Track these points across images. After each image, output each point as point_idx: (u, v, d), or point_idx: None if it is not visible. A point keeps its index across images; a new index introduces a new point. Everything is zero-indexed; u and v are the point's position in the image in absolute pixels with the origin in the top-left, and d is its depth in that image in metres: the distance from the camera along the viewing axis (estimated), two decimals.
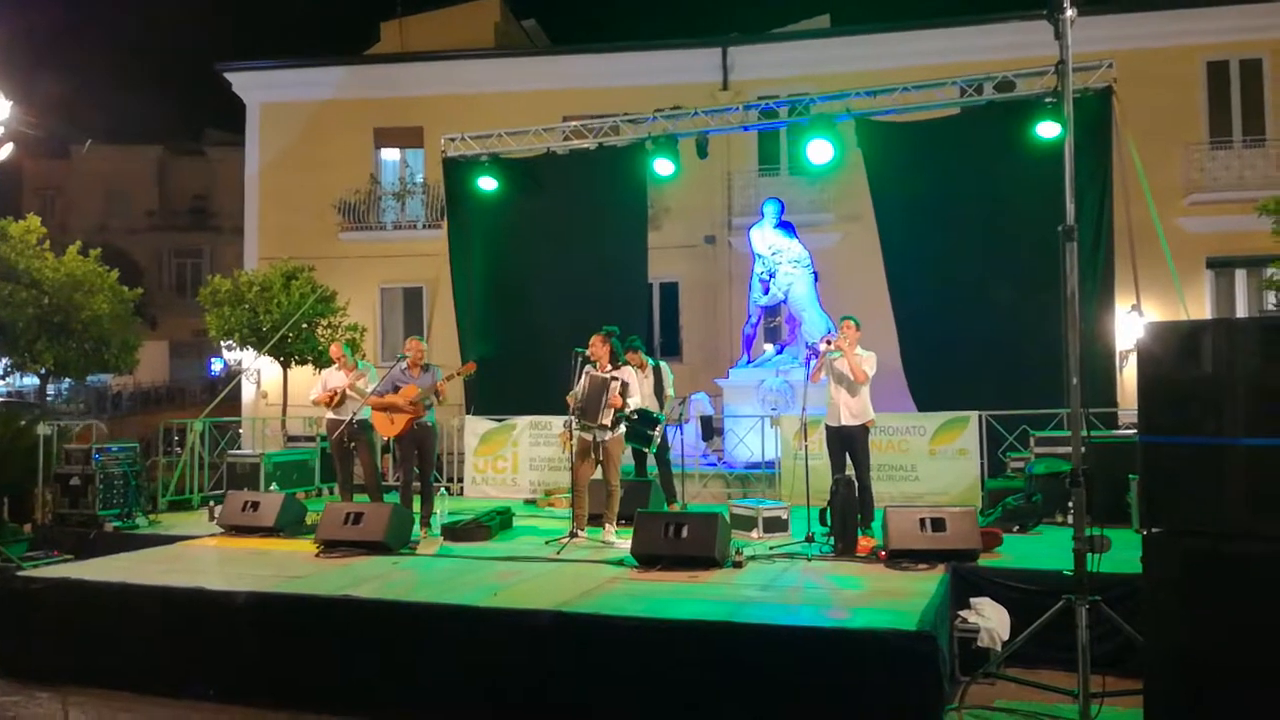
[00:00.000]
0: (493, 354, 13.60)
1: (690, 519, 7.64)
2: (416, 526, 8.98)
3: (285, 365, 17.16)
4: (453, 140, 14.01)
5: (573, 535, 8.56)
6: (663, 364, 10.55)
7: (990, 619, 6.39)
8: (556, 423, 11.10)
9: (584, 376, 8.64)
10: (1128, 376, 12.32)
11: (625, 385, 8.51)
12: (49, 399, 21.52)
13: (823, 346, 8.71)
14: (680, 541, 7.39)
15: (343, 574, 7.39)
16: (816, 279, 14.02)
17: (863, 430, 8.62)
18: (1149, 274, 11.60)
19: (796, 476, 9.72)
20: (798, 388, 11.98)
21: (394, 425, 9.16)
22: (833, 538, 7.98)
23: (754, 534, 8.75)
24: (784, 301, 13.98)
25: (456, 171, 14.05)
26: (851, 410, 8.58)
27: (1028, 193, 10.78)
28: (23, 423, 12.09)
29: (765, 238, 14.06)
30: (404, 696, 6.06)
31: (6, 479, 11.01)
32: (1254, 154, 17.48)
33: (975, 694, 5.82)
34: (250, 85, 21.75)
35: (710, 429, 14.41)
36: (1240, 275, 17.62)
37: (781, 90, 16.68)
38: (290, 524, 9.39)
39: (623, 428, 8.73)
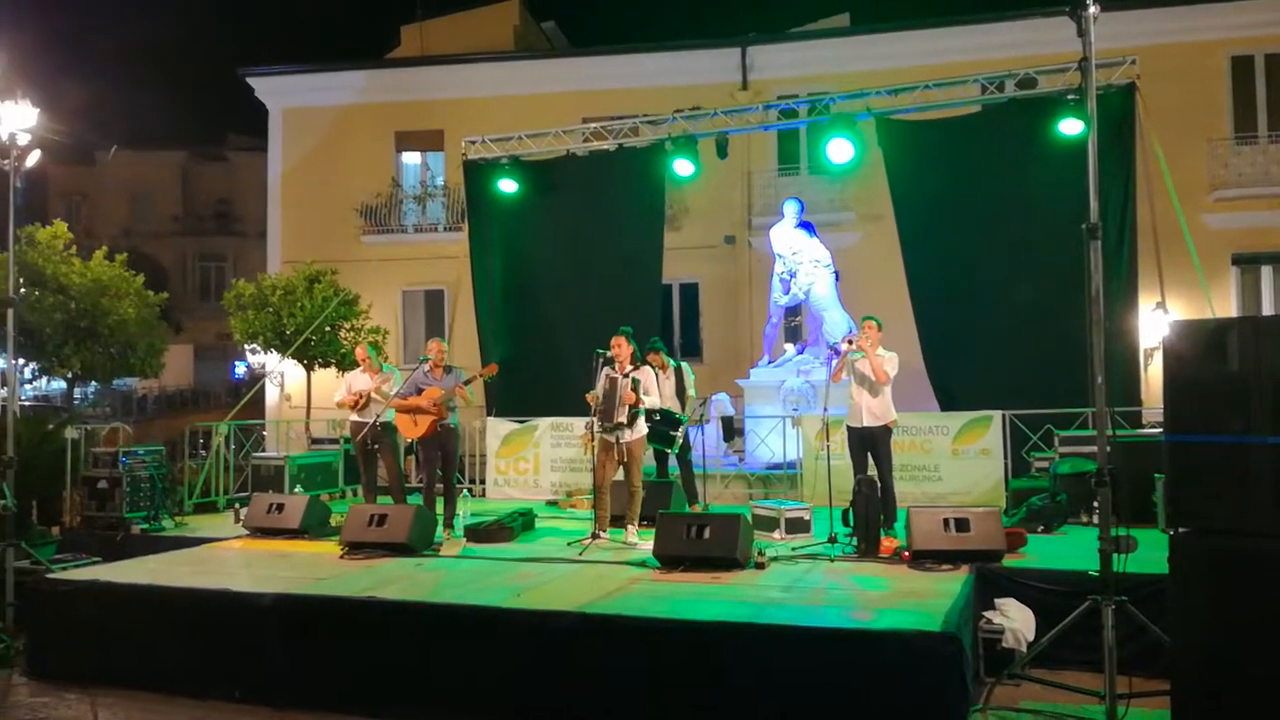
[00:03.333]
0: (514, 355, 13.65)
1: (712, 520, 7.63)
2: (440, 528, 9.02)
3: (309, 368, 17.27)
4: (473, 143, 14.07)
5: (595, 536, 8.57)
6: (684, 364, 10.53)
7: (1015, 620, 6.36)
8: (578, 424, 11.12)
9: (603, 377, 8.66)
10: (1153, 375, 12.22)
11: (637, 381, 8.53)
12: (76, 403, 21.72)
13: (844, 346, 8.68)
14: (702, 542, 7.38)
15: (367, 575, 7.42)
16: (838, 278, 13.99)
17: (885, 431, 8.59)
18: (1174, 271, 11.49)
19: (818, 477, 9.70)
20: (819, 388, 11.97)
21: (417, 427, 9.21)
22: (855, 538, 7.94)
23: (776, 535, 8.73)
24: (805, 301, 13.96)
25: (477, 174, 14.10)
26: (873, 411, 8.55)
27: (1050, 190, 10.73)
28: (50, 426, 12.19)
29: (786, 237, 14.02)
30: (427, 697, 6.08)
31: (35, 482, 11.10)
32: None
33: (1000, 695, 5.79)
34: (272, 90, 21.92)
35: (732, 429, 14.38)
36: (1267, 271, 17.44)
37: (801, 90, 16.65)
38: (315, 526, 9.44)
39: (644, 426, 8.73)
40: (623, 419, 8.48)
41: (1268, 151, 17.34)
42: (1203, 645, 4.54)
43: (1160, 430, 5.01)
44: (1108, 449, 5.57)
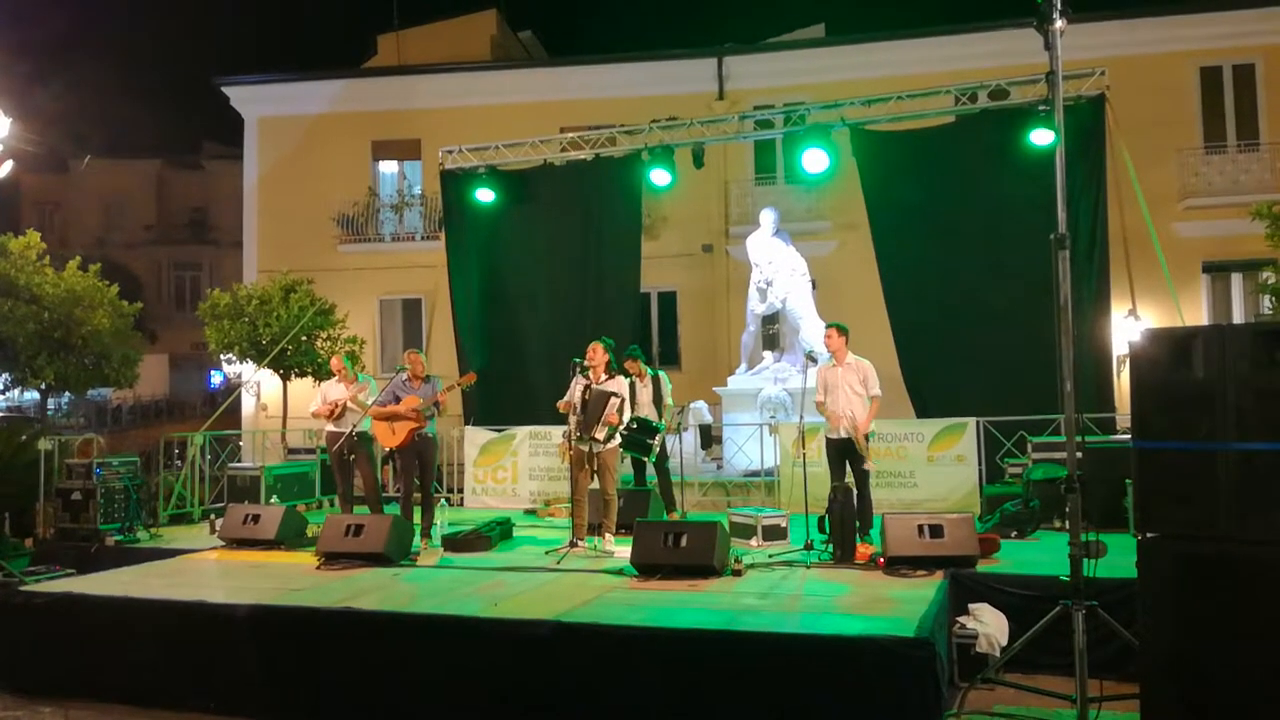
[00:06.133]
0: (492, 364, 13.66)
1: (689, 528, 7.67)
2: (417, 538, 9.00)
3: (285, 378, 17.20)
4: (450, 152, 14.08)
5: (572, 545, 8.58)
6: (661, 373, 10.58)
7: (988, 625, 6.42)
8: (556, 433, 11.14)
9: (577, 385, 8.66)
10: (1125, 381, 12.32)
11: (623, 404, 8.57)
12: (49, 414, 21.52)
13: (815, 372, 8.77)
14: (679, 550, 7.41)
15: (344, 586, 7.41)
16: (814, 287, 14.07)
17: (862, 440, 8.62)
18: (1145, 279, 11.64)
19: (795, 484, 9.73)
20: (796, 396, 12.01)
21: (395, 436, 9.19)
22: (831, 545, 8.00)
23: (753, 542, 8.77)
24: (781, 310, 14.03)
25: (454, 183, 14.12)
26: (853, 421, 8.58)
27: (1023, 199, 10.86)
28: (24, 438, 12.10)
29: (762, 246, 14.10)
30: (405, 707, 6.08)
31: (8, 494, 11.02)
32: (1248, 158, 17.56)
33: (974, 699, 5.85)
34: (248, 99, 21.84)
35: (709, 437, 14.42)
36: (1236, 279, 17.69)
37: (777, 100, 16.76)
38: (291, 536, 9.41)
39: (617, 439, 8.77)
40: (599, 435, 8.50)
41: (1236, 161, 17.60)
42: (1171, 648, 4.59)
43: (1130, 436, 5.08)
44: (1078, 455, 5.64)
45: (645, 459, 10.05)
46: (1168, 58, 17.65)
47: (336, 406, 9.84)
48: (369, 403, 9.55)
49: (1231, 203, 16.54)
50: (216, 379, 32.88)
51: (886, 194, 12.17)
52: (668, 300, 19.93)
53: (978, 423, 10.79)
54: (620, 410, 8.52)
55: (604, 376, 8.67)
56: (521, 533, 10.08)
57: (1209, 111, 17.90)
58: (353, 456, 9.73)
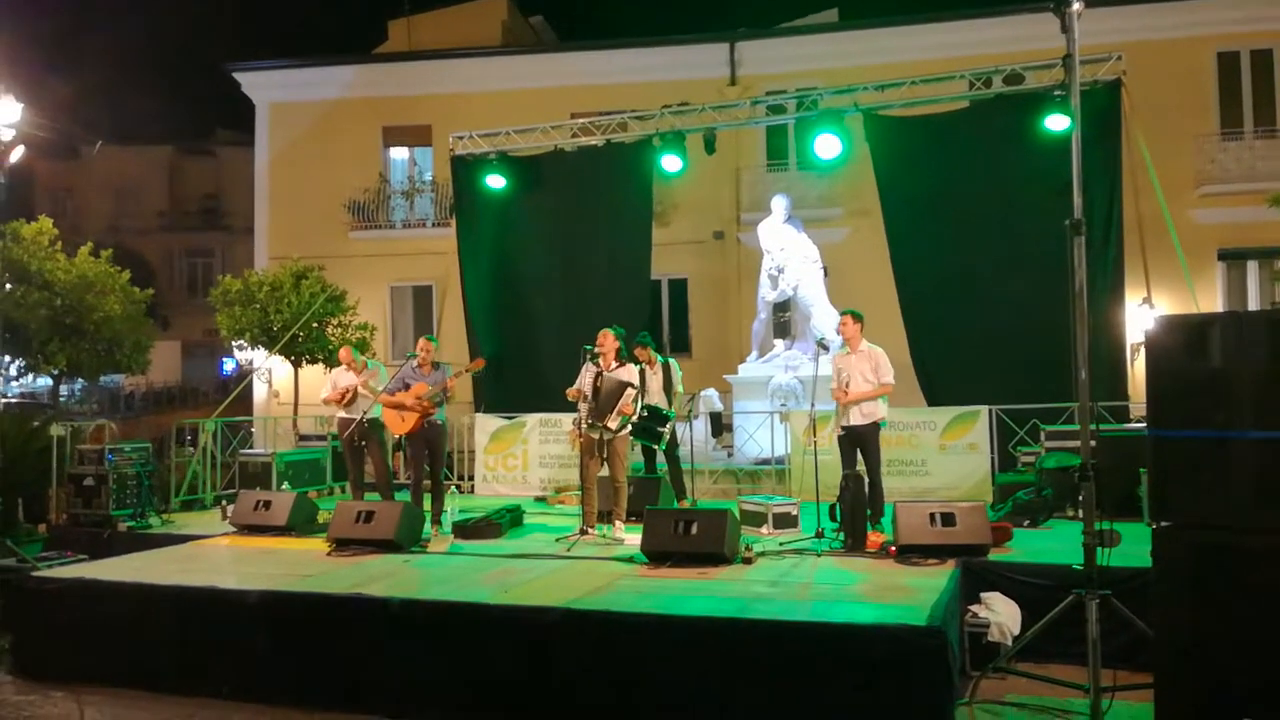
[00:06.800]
0: (503, 351, 13.66)
1: (700, 515, 7.65)
2: (427, 524, 9.02)
3: (296, 364, 17.24)
4: (461, 138, 14.05)
5: (582, 532, 8.59)
6: (672, 360, 10.54)
7: (1001, 614, 6.39)
8: (566, 420, 11.13)
9: (587, 373, 8.65)
10: (1139, 369, 12.27)
11: (637, 394, 8.54)
12: (62, 400, 21.61)
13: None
14: (690, 538, 7.39)
15: (354, 572, 7.42)
16: (826, 274, 14.00)
17: (873, 428, 8.58)
18: (1160, 266, 11.55)
19: (806, 472, 9.72)
20: (807, 383, 11.98)
21: (405, 423, 9.20)
22: (842, 533, 7.96)
23: (764, 530, 8.75)
24: (793, 297, 13.98)
25: (465, 169, 14.09)
26: (862, 409, 8.55)
27: (1037, 186, 10.76)
28: (36, 424, 12.14)
29: (774, 233, 14.04)
30: (415, 693, 6.08)
31: (20, 480, 11.06)
32: (1265, 145, 17.38)
33: (986, 688, 5.83)
34: (259, 85, 21.84)
35: (720, 425, 14.39)
36: (1252, 266, 17.54)
37: (789, 85, 16.67)
38: (302, 523, 9.43)
39: (628, 427, 8.76)
40: (612, 424, 8.49)
41: (1253, 147, 17.43)
42: (1185, 638, 4.56)
43: (1144, 425, 5.03)
44: (1092, 444, 5.59)
45: (656, 447, 10.03)
46: (1185, 43, 17.47)
47: (348, 393, 9.84)
48: (379, 389, 9.56)
49: (1248, 190, 16.41)
50: (229, 365, 33.01)
51: (899, 180, 12.09)
52: (679, 287, 19.88)
53: (990, 411, 10.73)
54: (634, 400, 8.52)
55: (614, 364, 8.67)
56: (531, 520, 10.09)
57: (1226, 97, 17.71)
58: (364, 443, 9.76)
